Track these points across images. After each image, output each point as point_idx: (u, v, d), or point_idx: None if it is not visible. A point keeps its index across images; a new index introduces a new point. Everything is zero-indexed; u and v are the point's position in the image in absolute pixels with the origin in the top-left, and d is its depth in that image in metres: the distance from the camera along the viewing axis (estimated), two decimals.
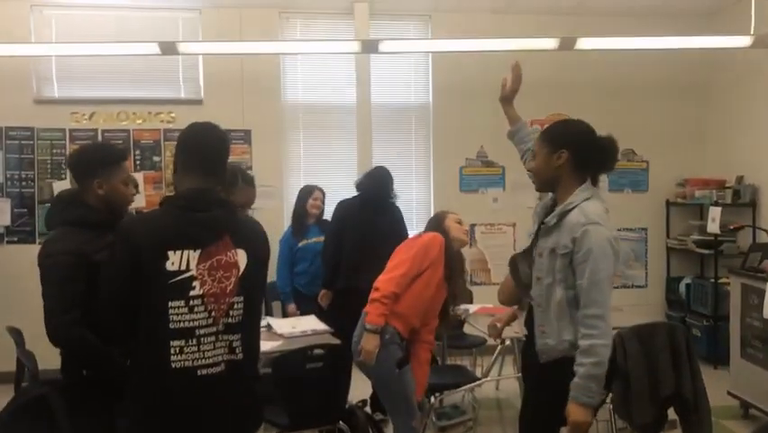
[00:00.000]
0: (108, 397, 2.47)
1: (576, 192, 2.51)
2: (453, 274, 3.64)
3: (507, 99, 3.05)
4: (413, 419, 3.49)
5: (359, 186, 4.87)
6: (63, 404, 2.38)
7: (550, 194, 2.70)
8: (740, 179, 6.18)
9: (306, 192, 5.35)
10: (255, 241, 2.27)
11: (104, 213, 2.48)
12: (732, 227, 5.64)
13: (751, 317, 4.70)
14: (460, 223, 3.75)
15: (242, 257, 2.19)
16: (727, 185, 6.25)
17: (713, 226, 5.45)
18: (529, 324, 2.69)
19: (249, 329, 2.22)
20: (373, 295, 3.41)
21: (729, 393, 4.90)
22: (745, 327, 4.77)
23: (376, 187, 4.79)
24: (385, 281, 3.43)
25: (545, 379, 2.50)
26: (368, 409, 4.53)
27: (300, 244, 5.21)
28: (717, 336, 5.89)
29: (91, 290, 2.24)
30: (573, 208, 2.47)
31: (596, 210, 2.46)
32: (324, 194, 5.37)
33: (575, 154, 2.52)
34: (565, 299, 2.46)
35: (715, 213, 5.42)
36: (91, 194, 2.50)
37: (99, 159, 2.54)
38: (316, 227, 5.26)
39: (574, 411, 2.37)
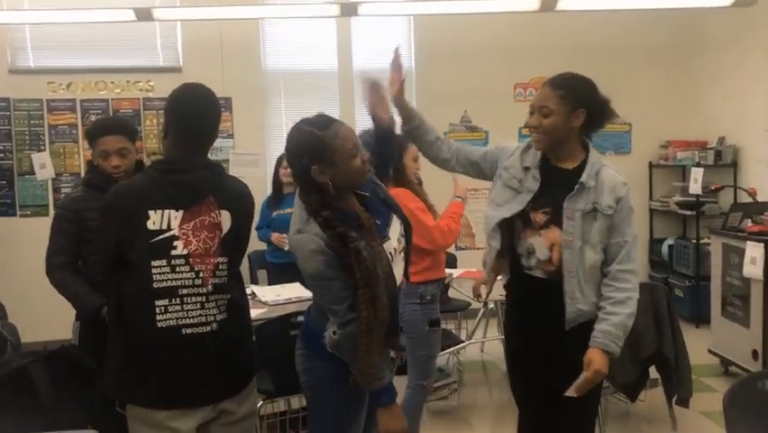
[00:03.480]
0: (91, 368, 2.49)
1: (592, 152, 2.48)
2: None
3: (401, 93, 2.71)
4: (426, 378, 3.50)
5: None
6: (45, 375, 2.40)
7: (530, 150, 2.58)
8: (722, 140, 6.21)
9: (279, 160, 5.14)
10: (240, 203, 2.28)
11: (105, 177, 2.73)
12: (713, 188, 5.68)
13: (731, 276, 4.75)
14: (416, 159, 3.64)
15: (225, 218, 2.21)
16: (709, 146, 6.28)
17: (695, 187, 5.46)
18: (529, 292, 2.56)
19: (234, 289, 2.26)
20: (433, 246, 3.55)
21: (710, 351, 4.97)
22: (726, 287, 4.82)
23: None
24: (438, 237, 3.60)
25: (576, 343, 2.37)
26: None
27: (274, 215, 4.99)
28: (699, 295, 5.95)
29: (83, 242, 2.72)
30: (602, 168, 2.43)
31: None
32: None
33: (590, 114, 2.45)
34: (598, 262, 2.39)
35: (697, 174, 5.43)
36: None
37: (87, 132, 2.88)
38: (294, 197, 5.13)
39: (600, 359, 2.30)
